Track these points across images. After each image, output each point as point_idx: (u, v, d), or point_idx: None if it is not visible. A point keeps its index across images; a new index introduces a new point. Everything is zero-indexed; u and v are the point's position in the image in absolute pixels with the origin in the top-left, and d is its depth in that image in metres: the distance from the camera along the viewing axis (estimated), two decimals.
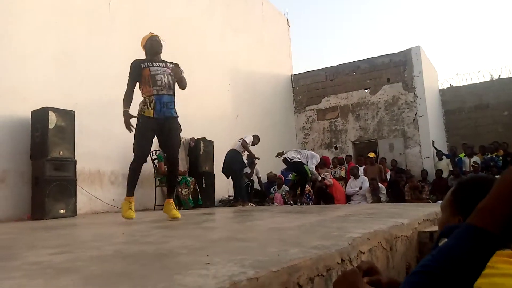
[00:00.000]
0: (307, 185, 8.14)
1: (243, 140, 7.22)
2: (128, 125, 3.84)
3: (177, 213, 3.97)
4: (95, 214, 5.91)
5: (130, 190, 3.91)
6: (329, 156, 11.53)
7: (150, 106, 3.84)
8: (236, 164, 7.16)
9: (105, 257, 1.72)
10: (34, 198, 5.16)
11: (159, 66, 4.01)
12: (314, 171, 7.92)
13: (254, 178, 8.62)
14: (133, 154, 3.89)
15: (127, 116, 3.83)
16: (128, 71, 4.02)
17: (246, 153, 7.33)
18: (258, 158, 7.84)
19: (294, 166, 7.63)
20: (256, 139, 7.66)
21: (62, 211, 5.12)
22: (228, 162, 7.25)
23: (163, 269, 1.40)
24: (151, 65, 3.98)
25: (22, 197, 5.22)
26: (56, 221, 4.62)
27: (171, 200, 4.06)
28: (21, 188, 5.25)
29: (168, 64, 4.08)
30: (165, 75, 3.99)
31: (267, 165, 9.44)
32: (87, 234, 3.20)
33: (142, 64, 3.98)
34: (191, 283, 1.13)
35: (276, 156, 8.07)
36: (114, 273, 1.39)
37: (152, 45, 4.10)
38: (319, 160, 8.14)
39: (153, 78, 3.90)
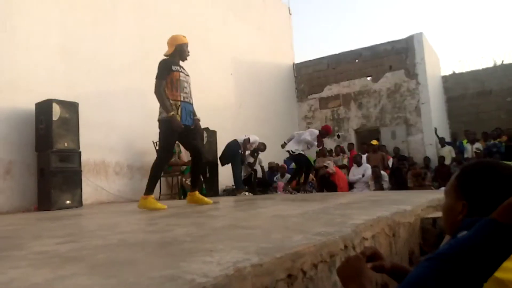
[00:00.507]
0: (310, 174, 8.13)
1: (248, 137, 7.34)
2: (180, 128, 3.83)
3: (208, 200, 4.13)
4: (101, 205, 5.95)
5: (152, 189, 3.93)
6: (332, 145, 11.53)
7: (178, 113, 3.88)
8: (230, 152, 7.29)
9: (110, 246, 1.74)
10: (40, 190, 5.20)
11: (186, 74, 4.07)
12: (310, 141, 7.45)
13: (257, 167, 8.64)
14: (160, 155, 3.98)
15: (178, 122, 3.82)
16: (158, 68, 3.94)
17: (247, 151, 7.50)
18: (245, 163, 8.02)
19: (298, 159, 7.52)
20: (262, 146, 7.87)
21: (68, 202, 5.17)
22: (224, 150, 7.45)
23: (168, 257, 1.41)
24: (180, 69, 4.01)
25: (28, 189, 5.27)
26: (62, 211, 4.66)
27: (197, 192, 4.15)
28: (27, 179, 5.29)
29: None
30: (189, 83, 4.08)
31: (269, 154, 9.44)
32: (92, 224, 3.22)
33: (173, 66, 3.95)
34: (196, 270, 1.14)
35: (282, 147, 8.03)
36: (119, 261, 1.40)
37: (185, 51, 4.11)
38: (316, 133, 7.68)
39: (181, 84, 3.94)
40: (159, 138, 3.98)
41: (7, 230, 2.86)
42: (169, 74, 3.90)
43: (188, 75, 4.10)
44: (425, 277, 0.75)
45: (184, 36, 4.16)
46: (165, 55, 4.09)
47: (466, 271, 0.73)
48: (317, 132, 7.52)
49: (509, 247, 0.74)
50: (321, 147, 8.14)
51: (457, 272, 0.73)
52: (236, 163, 7.33)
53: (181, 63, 4.14)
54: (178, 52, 4.07)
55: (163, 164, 4.04)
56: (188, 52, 4.16)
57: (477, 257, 0.74)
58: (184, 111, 3.94)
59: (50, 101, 5.18)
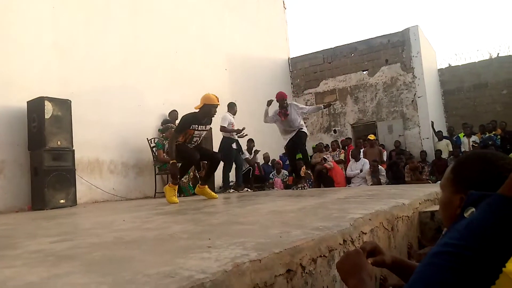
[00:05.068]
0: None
1: (220, 126, 7.02)
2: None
3: (215, 194, 4.96)
4: (95, 203, 5.91)
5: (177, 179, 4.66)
6: (328, 140, 11.52)
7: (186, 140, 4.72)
8: (222, 152, 7.14)
9: (106, 244, 1.71)
10: (34, 189, 5.15)
11: (200, 130, 4.71)
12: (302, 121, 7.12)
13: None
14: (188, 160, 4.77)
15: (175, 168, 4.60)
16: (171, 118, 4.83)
17: (235, 134, 7.10)
18: (242, 133, 7.29)
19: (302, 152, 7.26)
20: (231, 108, 7.44)
21: (62, 201, 5.12)
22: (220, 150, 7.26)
23: (165, 254, 1.39)
24: (196, 128, 4.66)
25: (22, 188, 5.21)
26: (57, 211, 4.62)
27: (207, 187, 4.88)
28: (20, 179, 5.24)
29: (207, 126, 4.81)
30: (201, 136, 4.78)
31: (266, 148, 9.49)
32: (87, 222, 3.19)
33: (192, 125, 4.62)
34: (193, 267, 1.12)
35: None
36: (116, 258, 1.38)
37: (211, 113, 4.65)
38: (299, 105, 7.28)
39: (192, 139, 4.70)
40: None
41: (1, 229, 2.83)
42: (185, 130, 4.59)
43: (204, 130, 4.76)
44: (442, 276, 0.70)
45: (216, 98, 4.69)
46: (195, 108, 4.71)
47: (483, 259, 0.68)
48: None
49: None
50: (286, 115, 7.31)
51: (474, 262, 0.68)
52: (227, 163, 7.08)
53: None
54: (204, 112, 4.64)
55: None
56: (215, 112, 4.70)
57: (491, 239, 0.68)
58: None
59: (42, 99, 5.11)
